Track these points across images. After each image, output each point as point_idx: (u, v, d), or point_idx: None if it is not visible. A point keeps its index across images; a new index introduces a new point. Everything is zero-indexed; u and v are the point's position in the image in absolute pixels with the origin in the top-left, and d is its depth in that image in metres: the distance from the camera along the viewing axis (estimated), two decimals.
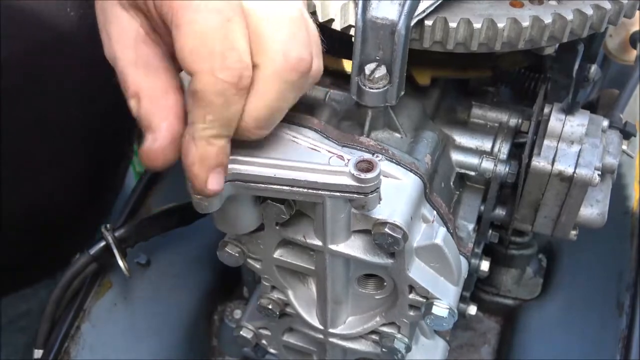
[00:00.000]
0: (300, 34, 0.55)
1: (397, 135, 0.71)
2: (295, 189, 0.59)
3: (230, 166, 0.58)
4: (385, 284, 0.71)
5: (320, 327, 0.77)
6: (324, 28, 0.66)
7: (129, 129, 1.15)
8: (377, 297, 0.73)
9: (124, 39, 0.58)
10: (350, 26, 0.65)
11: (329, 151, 0.61)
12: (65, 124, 0.97)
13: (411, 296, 0.69)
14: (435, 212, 0.68)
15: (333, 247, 0.66)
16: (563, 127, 0.74)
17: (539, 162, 0.73)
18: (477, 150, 0.76)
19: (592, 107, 0.85)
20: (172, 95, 0.56)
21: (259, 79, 0.54)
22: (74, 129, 1.00)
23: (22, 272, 1.10)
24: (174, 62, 0.58)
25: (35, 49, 0.89)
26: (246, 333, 0.87)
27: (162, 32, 0.57)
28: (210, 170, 0.55)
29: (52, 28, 0.89)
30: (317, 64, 0.57)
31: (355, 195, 0.58)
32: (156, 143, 0.55)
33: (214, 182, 0.56)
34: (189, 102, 0.53)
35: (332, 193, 0.58)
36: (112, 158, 1.18)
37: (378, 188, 0.58)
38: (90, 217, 1.14)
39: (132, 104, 0.57)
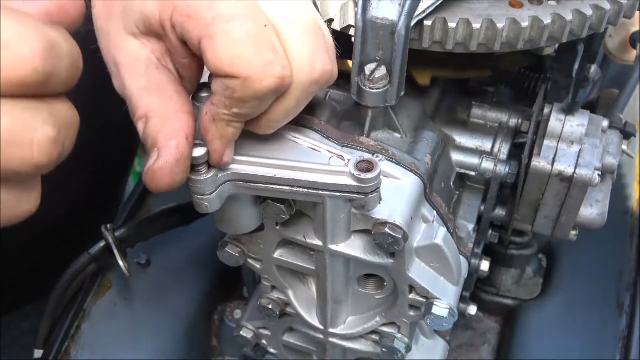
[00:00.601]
0: (323, 45, 0.56)
1: (397, 135, 0.71)
2: (295, 189, 0.59)
3: (230, 166, 0.58)
4: (385, 284, 0.71)
5: (321, 327, 0.77)
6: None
7: (133, 139, 1.16)
8: (377, 297, 0.73)
9: (135, 67, 0.57)
10: (349, 26, 0.65)
11: (329, 151, 0.61)
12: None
13: (411, 296, 0.69)
14: (435, 212, 0.68)
15: (333, 247, 0.66)
16: (563, 127, 0.74)
17: (539, 163, 0.73)
18: (477, 151, 0.76)
19: (592, 107, 0.85)
20: (183, 117, 0.55)
21: (290, 91, 0.55)
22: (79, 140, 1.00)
23: (22, 289, 1.10)
24: (186, 86, 0.58)
25: None
26: (246, 333, 0.87)
27: (178, 53, 0.56)
28: (228, 145, 0.57)
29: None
30: (335, 72, 0.58)
31: (356, 196, 0.58)
32: (161, 160, 0.54)
33: (228, 155, 0.57)
34: (219, 90, 0.53)
35: (332, 193, 0.58)
36: (115, 171, 1.17)
37: (378, 188, 0.58)
38: (92, 232, 1.15)
39: (140, 125, 0.56)
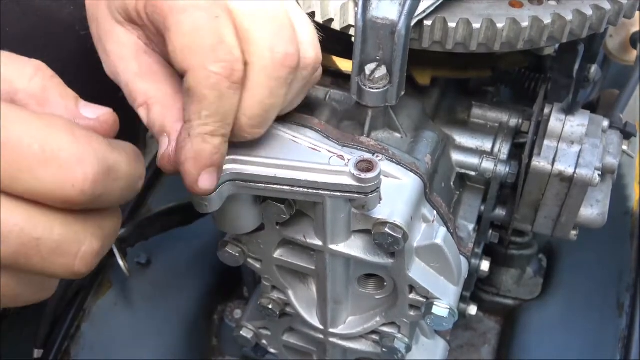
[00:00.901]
0: (285, 31, 0.55)
1: (397, 135, 0.71)
2: (295, 188, 0.59)
3: (230, 166, 0.58)
4: (385, 284, 0.71)
5: (321, 327, 0.77)
6: (325, 28, 0.66)
7: (137, 129, 1.15)
8: (377, 297, 0.73)
9: (125, 53, 0.58)
10: (349, 26, 0.65)
11: (329, 151, 0.61)
12: None
13: (411, 296, 0.69)
14: (435, 212, 0.68)
15: (333, 247, 0.66)
16: (563, 127, 0.74)
17: (539, 162, 0.73)
18: (478, 151, 0.76)
19: (592, 107, 0.86)
20: (181, 99, 0.55)
21: (249, 76, 0.54)
22: None
23: None
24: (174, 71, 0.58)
25: (38, 43, 0.88)
26: (246, 333, 0.87)
27: (158, 41, 0.57)
28: (203, 168, 0.54)
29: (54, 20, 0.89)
30: (314, 56, 0.57)
31: (356, 195, 0.58)
32: (173, 145, 0.55)
33: (205, 181, 0.54)
34: (185, 101, 0.52)
35: (332, 193, 0.58)
36: None
37: (378, 188, 0.58)
38: None
39: (142, 112, 0.57)
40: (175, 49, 0.51)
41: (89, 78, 0.82)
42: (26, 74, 0.48)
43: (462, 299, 0.89)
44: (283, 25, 0.55)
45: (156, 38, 0.57)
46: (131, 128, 1.17)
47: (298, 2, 0.66)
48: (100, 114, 0.50)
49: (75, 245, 0.46)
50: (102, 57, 0.60)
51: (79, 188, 0.44)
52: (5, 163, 0.42)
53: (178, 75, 0.56)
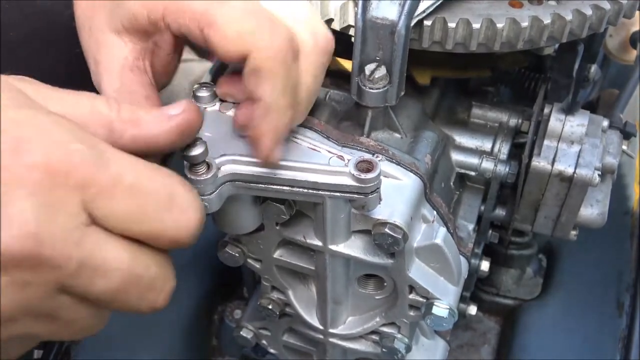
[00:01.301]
0: (317, 15, 0.59)
1: (397, 135, 0.71)
2: (295, 189, 0.59)
3: (230, 166, 0.58)
4: (385, 284, 0.71)
5: (320, 327, 0.77)
6: None
7: None
8: (377, 297, 0.73)
9: (111, 66, 0.59)
10: (349, 26, 0.65)
11: (329, 151, 0.61)
12: None
13: (411, 296, 0.69)
14: (435, 212, 0.68)
15: (333, 247, 0.66)
16: (563, 127, 0.74)
17: (539, 162, 0.73)
18: (477, 151, 0.76)
19: (592, 107, 0.86)
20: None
21: (301, 56, 0.56)
22: None
23: None
24: (163, 82, 0.62)
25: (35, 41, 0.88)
26: (246, 333, 0.87)
27: (165, 49, 0.60)
28: (279, 141, 0.56)
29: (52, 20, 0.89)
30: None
31: (356, 196, 0.58)
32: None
33: (278, 153, 0.57)
34: (252, 84, 0.54)
35: (332, 193, 0.58)
36: None
37: (378, 188, 0.58)
38: None
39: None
40: (227, 37, 0.52)
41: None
42: (102, 104, 0.51)
43: (462, 299, 0.89)
44: (313, 10, 0.59)
45: (166, 44, 0.59)
46: None
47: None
48: (183, 106, 0.52)
49: (164, 282, 0.51)
50: (90, 67, 0.61)
51: (191, 231, 0.50)
52: (133, 207, 0.47)
53: (157, 99, 0.60)
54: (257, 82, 0.53)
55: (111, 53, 0.58)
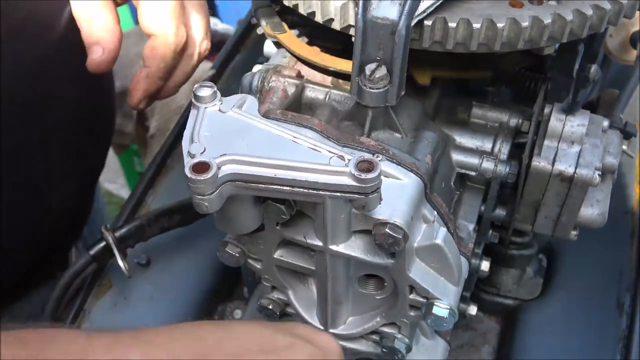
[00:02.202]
0: (208, 32, 0.90)
1: (398, 135, 0.71)
2: (295, 189, 0.59)
3: (230, 166, 0.58)
4: (385, 284, 0.71)
5: (321, 327, 0.77)
6: (325, 28, 0.66)
7: (113, 119, 1.18)
8: (377, 297, 0.73)
9: None
10: (349, 26, 0.65)
11: (329, 151, 0.61)
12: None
13: (412, 296, 0.69)
14: (435, 212, 0.68)
15: (333, 247, 0.66)
16: (563, 127, 0.74)
17: (540, 163, 0.73)
18: (478, 151, 0.76)
19: (592, 107, 0.85)
20: (118, 27, 0.81)
21: (185, 52, 0.86)
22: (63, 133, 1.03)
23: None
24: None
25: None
26: None
27: None
28: (148, 96, 0.84)
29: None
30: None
31: (356, 196, 0.58)
32: (104, 55, 0.80)
33: (144, 104, 0.85)
34: (148, 52, 0.82)
35: (332, 193, 0.58)
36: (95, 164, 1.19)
37: (378, 188, 0.58)
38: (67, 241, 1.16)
39: (84, 24, 0.80)
40: (149, 16, 0.81)
41: (72, 74, 0.85)
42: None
43: (462, 299, 0.89)
44: (209, 27, 0.88)
45: None
46: (108, 117, 1.19)
47: (297, 2, 0.67)
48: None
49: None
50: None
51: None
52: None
53: (114, 6, 0.82)
54: (150, 54, 0.82)
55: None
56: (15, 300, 1.05)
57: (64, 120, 0.99)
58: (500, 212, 0.81)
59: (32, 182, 0.97)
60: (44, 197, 1.01)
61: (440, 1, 0.62)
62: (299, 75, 0.75)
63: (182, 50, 0.84)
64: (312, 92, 0.73)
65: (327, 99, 0.73)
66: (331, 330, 0.77)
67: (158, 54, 0.81)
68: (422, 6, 0.61)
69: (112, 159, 2.10)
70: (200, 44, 0.87)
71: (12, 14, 0.83)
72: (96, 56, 0.79)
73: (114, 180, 2.53)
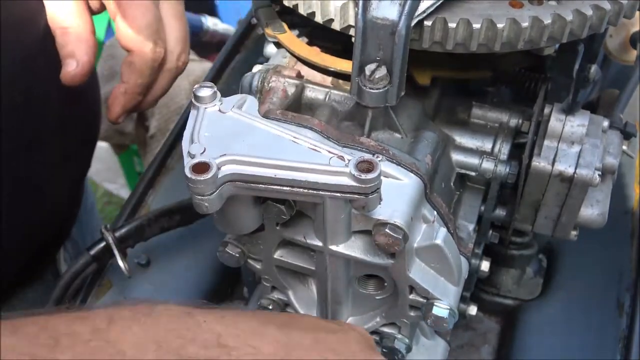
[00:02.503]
0: (187, 44, 0.91)
1: (398, 135, 0.71)
2: (295, 189, 0.58)
3: (230, 166, 0.58)
4: (385, 284, 0.71)
5: None
6: (325, 28, 0.66)
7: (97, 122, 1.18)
8: (377, 297, 0.73)
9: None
10: (349, 26, 0.65)
11: (329, 151, 0.61)
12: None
13: (412, 297, 0.69)
14: (435, 213, 0.68)
15: (333, 247, 0.66)
16: (563, 127, 0.74)
17: (540, 163, 0.73)
18: (478, 151, 0.76)
19: (592, 107, 0.85)
20: (88, 35, 0.81)
21: (164, 68, 0.86)
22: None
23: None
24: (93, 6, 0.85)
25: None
26: None
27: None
28: (127, 112, 0.86)
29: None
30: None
31: (356, 196, 0.58)
32: (79, 68, 0.80)
33: (122, 119, 0.86)
34: (125, 69, 0.82)
35: (332, 194, 0.58)
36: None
37: (378, 189, 0.58)
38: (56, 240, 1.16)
39: (59, 33, 0.81)
40: (127, 33, 0.81)
41: (52, 72, 0.85)
42: None
43: (462, 299, 0.89)
44: (187, 40, 0.88)
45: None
46: (91, 120, 1.19)
47: (297, 2, 0.67)
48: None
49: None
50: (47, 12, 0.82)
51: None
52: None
53: (89, 15, 0.83)
54: (127, 70, 0.83)
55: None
56: (4, 302, 1.05)
57: (49, 121, 0.99)
58: (500, 212, 0.81)
59: (18, 183, 0.97)
60: (30, 198, 1.00)
61: (440, 1, 0.62)
62: (299, 76, 0.75)
63: (159, 66, 0.84)
64: (312, 93, 0.73)
65: (327, 99, 0.73)
66: None
67: (136, 70, 0.82)
68: (422, 6, 0.61)
69: (112, 159, 2.10)
70: (178, 57, 0.86)
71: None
72: (70, 69, 0.80)
73: (114, 180, 2.53)
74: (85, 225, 1.24)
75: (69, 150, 1.07)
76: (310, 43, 0.77)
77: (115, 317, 0.53)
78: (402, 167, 0.65)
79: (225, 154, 0.58)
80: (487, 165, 0.75)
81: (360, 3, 0.60)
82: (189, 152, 0.59)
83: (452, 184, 0.76)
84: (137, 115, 1.72)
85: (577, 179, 0.72)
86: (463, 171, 0.76)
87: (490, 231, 0.84)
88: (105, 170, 1.19)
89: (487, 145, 0.76)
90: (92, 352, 0.50)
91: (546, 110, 0.75)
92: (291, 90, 0.72)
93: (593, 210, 0.78)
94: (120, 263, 0.87)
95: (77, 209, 1.22)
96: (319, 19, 0.66)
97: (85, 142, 1.16)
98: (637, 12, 0.67)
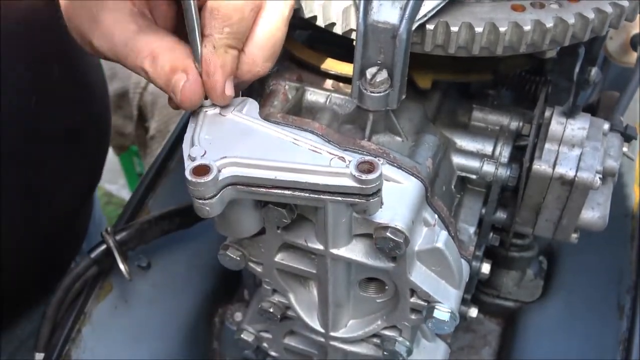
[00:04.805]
0: None
1: (398, 138, 0.71)
2: (296, 192, 0.58)
3: (231, 169, 0.58)
4: (386, 287, 0.71)
5: (322, 330, 0.77)
6: (327, 32, 0.66)
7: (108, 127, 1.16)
8: (378, 300, 0.73)
9: (120, 17, 0.63)
10: (351, 30, 0.65)
11: (330, 153, 0.60)
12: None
13: (413, 300, 0.69)
14: (436, 216, 0.68)
15: (334, 251, 0.66)
16: (564, 130, 0.74)
17: (540, 166, 0.73)
18: (478, 154, 0.76)
19: (592, 109, 0.85)
20: (185, 46, 0.62)
21: (262, 12, 0.62)
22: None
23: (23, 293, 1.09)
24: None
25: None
26: (247, 336, 0.87)
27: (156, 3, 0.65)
28: (228, 77, 0.62)
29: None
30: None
31: (357, 199, 0.58)
32: (190, 78, 0.61)
33: (229, 89, 0.63)
34: (208, 17, 0.60)
35: (333, 197, 0.58)
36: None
37: (379, 190, 0.58)
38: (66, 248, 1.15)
39: (147, 63, 0.62)
40: None
41: (70, 76, 0.83)
42: None
43: (463, 301, 0.89)
44: None
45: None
46: (102, 124, 1.18)
47: (298, 6, 0.67)
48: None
49: None
50: (89, 31, 0.64)
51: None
52: None
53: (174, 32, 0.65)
54: (209, 19, 0.60)
55: (115, 8, 0.63)
56: (15, 317, 1.05)
57: (59, 128, 0.98)
58: (501, 215, 0.81)
59: (29, 194, 0.96)
60: (40, 211, 1.00)
61: (442, 5, 0.62)
62: (300, 79, 0.75)
63: (254, 11, 0.62)
64: (312, 96, 0.73)
65: (327, 102, 0.73)
66: (332, 334, 0.77)
67: (220, 15, 0.61)
68: (424, 10, 0.61)
69: (112, 159, 2.10)
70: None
71: (10, 15, 0.82)
72: (182, 82, 0.62)
73: (114, 181, 2.53)
74: (94, 239, 1.24)
75: (78, 161, 1.06)
76: (311, 46, 0.77)
77: None
78: (403, 170, 0.65)
79: (225, 157, 0.58)
80: (488, 168, 0.75)
81: (362, 7, 0.60)
82: (189, 154, 0.59)
83: (452, 187, 0.76)
84: (137, 117, 1.72)
85: (577, 182, 0.72)
86: (464, 174, 0.76)
87: (491, 234, 0.84)
88: (106, 171, 1.20)
89: (488, 148, 0.76)
90: None
91: (547, 113, 0.75)
92: (292, 94, 0.72)
93: (594, 213, 0.78)
94: (121, 266, 0.87)
95: (88, 222, 1.21)
96: (320, 22, 0.66)
97: (94, 154, 1.16)
98: (638, 15, 0.67)
